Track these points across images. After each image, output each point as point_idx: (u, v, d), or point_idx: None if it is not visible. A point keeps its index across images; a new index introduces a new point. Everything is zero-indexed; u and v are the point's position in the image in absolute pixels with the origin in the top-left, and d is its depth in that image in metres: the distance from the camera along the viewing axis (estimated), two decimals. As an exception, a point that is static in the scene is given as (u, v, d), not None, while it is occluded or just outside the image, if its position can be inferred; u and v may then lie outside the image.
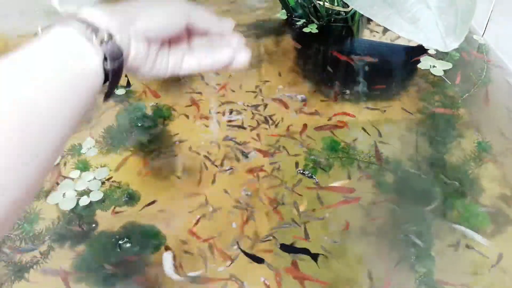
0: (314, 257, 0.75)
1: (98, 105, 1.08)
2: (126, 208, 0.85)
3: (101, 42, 0.32)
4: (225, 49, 0.42)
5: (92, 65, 0.32)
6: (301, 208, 0.83)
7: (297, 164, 0.91)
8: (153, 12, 0.37)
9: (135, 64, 0.36)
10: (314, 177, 0.87)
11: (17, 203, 0.27)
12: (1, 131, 0.26)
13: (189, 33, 0.42)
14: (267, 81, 1.12)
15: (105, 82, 0.34)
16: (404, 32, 0.44)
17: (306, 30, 1.29)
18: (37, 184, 0.29)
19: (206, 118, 1.03)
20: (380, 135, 0.96)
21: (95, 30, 0.32)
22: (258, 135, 0.98)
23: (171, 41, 0.40)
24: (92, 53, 0.32)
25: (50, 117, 0.29)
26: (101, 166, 0.92)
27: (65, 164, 0.93)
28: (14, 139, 0.26)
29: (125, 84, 1.12)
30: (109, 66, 0.33)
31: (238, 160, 0.93)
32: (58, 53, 0.31)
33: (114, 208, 0.85)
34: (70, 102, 0.30)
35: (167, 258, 0.77)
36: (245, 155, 0.94)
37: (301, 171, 0.89)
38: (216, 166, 0.92)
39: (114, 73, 0.34)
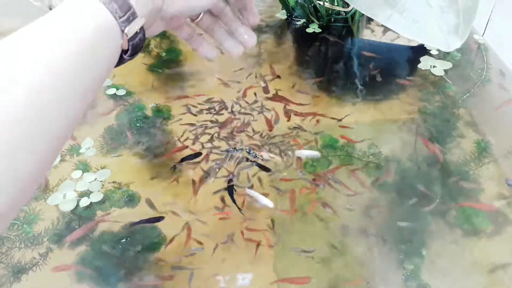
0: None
1: (97, 105, 1.08)
2: (126, 210, 0.85)
3: (133, 37, 0.31)
4: (236, 42, 0.43)
5: (111, 58, 0.31)
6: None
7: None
8: None
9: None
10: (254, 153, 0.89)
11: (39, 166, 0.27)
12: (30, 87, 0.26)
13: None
14: (267, 80, 1.12)
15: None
16: (406, 32, 0.44)
17: (309, 30, 1.29)
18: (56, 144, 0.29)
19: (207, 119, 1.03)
20: (380, 135, 0.96)
21: (130, 18, 0.30)
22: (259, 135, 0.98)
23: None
24: (118, 44, 0.31)
25: (70, 80, 0.28)
26: (101, 167, 0.92)
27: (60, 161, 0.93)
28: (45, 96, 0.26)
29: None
30: (126, 58, 0.33)
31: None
32: (85, 38, 0.29)
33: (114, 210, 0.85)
34: (88, 67, 0.29)
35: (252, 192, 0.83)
36: (249, 154, 0.94)
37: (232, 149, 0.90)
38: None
39: (124, 62, 0.33)
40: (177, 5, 0.35)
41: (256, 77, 1.13)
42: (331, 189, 0.86)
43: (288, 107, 1.04)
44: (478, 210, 0.81)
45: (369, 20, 1.33)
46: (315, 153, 0.91)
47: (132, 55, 0.33)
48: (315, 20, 1.31)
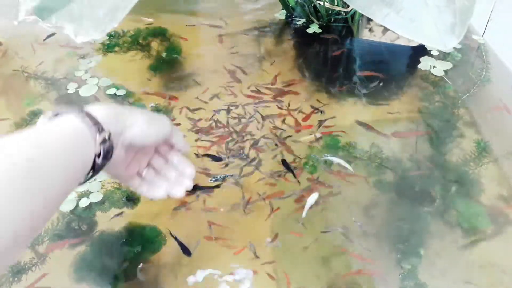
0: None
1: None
2: (125, 210, 0.85)
3: (102, 141, 0.38)
4: (162, 187, 0.51)
5: (87, 157, 0.38)
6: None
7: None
8: (146, 130, 0.43)
9: (113, 163, 0.42)
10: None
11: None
12: (11, 183, 0.31)
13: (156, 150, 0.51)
14: (267, 79, 1.12)
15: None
16: (403, 31, 0.44)
17: (309, 31, 1.29)
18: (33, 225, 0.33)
19: (207, 119, 1.03)
20: (380, 134, 0.96)
21: (99, 129, 0.38)
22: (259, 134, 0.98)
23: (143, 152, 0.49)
24: (91, 147, 0.38)
25: (48, 180, 0.34)
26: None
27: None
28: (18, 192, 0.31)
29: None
30: (99, 161, 0.39)
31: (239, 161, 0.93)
32: (64, 139, 0.36)
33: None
34: (62, 177, 0.35)
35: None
36: (244, 155, 0.94)
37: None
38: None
39: (99, 167, 0.40)
40: (134, 132, 0.42)
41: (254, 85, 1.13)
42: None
43: (289, 107, 1.04)
44: (478, 210, 0.81)
45: (369, 20, 1.33)
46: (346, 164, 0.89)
47: (104, 159, 0.39)
48: (315, 20, 1.31)
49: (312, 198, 0.83)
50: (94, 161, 0.39)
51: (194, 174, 0.51)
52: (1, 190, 0.30)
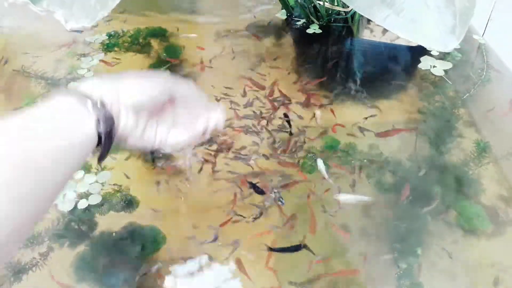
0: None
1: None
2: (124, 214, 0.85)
3: (94, 107, 0.37)
4: (199, 121, 0.46)
5: (86, 128, 0.37)
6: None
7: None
8: (139, 86, 0.42)
9: (125, 133, 0.40)
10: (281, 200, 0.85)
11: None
12: (4, 180, 0.30)
13: (172, 104, 0.46)
14: (267, 80, 1.12)
15: (98, 145, 0.38)
16: (403, 32, 0.44)
17: (309, 31, 1.28)
18: (31, 220, 0.33)
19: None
20: (380, 134, 0.96)
21: (90, 99, 0.37)
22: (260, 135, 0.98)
23: (157, 113, 0.44)
24: (86, 117, 0.37)
25: (46, 172, 0.33)
26: (102, 169, 0.92)
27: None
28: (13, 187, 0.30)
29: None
30: (101, 128, 0.37)
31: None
32: (58, 117, 0.36)
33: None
34: (64, 160, 0.35)
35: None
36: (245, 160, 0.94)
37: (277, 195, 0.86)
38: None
39: (106, 135, 0.38)
40: (129, 91, 0.41)
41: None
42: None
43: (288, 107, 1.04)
44: (478, 210, 0.81)
45: (369, 20, 1.33)
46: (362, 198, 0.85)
47: (108, 127, 0.38)
48: (315, 20, 1.31)
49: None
50: (100, 136, 0.38)
51: (224, 111, 0.47)
52: None
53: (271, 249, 0.77)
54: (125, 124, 0.40)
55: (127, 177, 0.90)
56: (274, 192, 0.85)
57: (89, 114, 0.37)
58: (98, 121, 0.37)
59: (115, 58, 1.21)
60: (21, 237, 0.33)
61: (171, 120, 0.45)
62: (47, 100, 0.37)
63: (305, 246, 0.77)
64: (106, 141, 0.38)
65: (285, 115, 1.01)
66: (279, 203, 0.83)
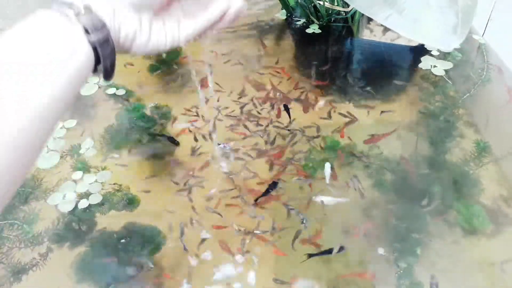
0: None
1: (97, 104, 1.08)
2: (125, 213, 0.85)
3: (77, 15, 0.31)
4: (214, 3, 0.38)
5: (75, 42, 0.31)
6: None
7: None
8: None
9: (128, 39, 0.34)
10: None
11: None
12: None
13: None
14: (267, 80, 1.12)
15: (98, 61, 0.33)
16: (405, 32, 0.44)
17: (308, 31, 1.28)
18: (30, 157, 0.29)
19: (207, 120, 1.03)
20: (380, 134, 0.96)
21: (71, 6, 0.31)
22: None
23: (163, 8, 0.37)
24: (71, 29, 0.31)
25: (40, 101, 0.28)
26: (102, 168, 0.92)
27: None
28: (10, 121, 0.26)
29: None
30: (92, 38, 0.32)
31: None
32: (41, 35, 0.30)
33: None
34: (58, 83, 0.30)
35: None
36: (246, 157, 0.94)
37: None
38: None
39: (102, 46, 0.32)
40: None
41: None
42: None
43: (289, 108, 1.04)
44: (478, 210, 0.81)
45: (369, 20, 1.33)
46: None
47: (101, 35, 0.32)
48: (315, 20, 1.30)
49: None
50: (92, 44, 0.32)
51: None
52: None
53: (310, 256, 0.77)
54: (125, 27, 0.34)
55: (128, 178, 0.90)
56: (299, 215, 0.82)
57: (72, 24, 0.31)
58: (86, 30, 0.31)
59: None
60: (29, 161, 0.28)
61: (180, 13, 0.38)
62: (20, 22, 0.31)
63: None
64: (105, 53, 0.33)
65: (285, 106, 1.04)
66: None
